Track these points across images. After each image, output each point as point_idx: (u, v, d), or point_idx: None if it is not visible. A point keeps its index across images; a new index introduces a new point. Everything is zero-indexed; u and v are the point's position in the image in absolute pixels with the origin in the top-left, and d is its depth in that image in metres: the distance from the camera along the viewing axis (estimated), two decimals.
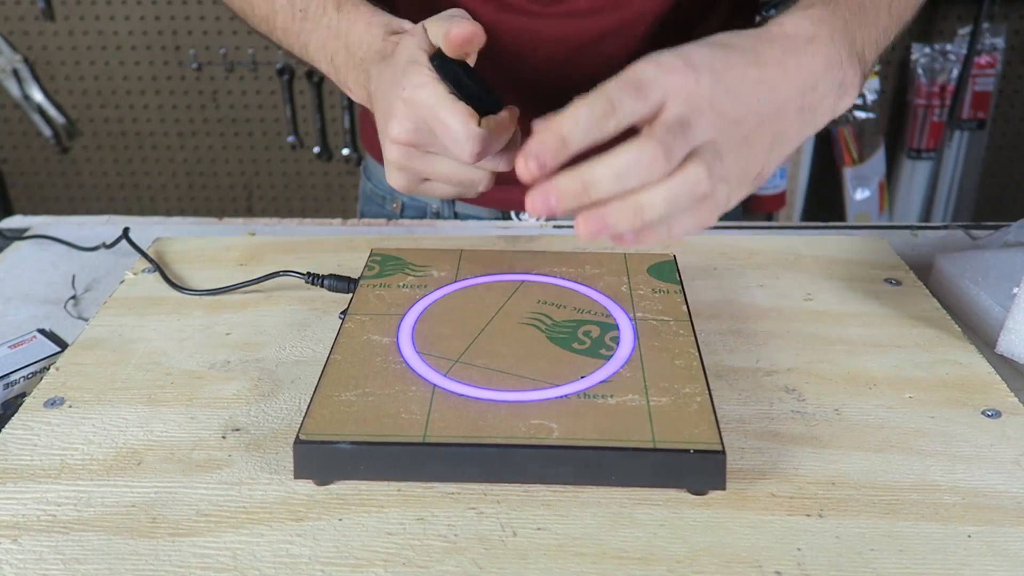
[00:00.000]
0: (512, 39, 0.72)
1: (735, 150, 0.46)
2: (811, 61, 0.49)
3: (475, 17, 0.73)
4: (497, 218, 0.83)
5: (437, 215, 0.86)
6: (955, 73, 1.86)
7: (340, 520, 0.41)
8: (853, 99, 0.52)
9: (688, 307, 0.54)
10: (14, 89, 1.93)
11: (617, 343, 0.50)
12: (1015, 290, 0.54)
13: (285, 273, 0.61)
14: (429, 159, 0.53)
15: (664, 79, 0.44)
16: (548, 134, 0.43)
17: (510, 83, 0.75)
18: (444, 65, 0.50)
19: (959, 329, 0.57)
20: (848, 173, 1.95)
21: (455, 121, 0.48)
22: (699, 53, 0.46)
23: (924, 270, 0.65)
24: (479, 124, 0.48)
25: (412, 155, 0.53)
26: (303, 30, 0.62)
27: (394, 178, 0.54)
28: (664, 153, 0.43)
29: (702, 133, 0.45)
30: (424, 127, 0.50)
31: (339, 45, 0.59)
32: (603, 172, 0.43)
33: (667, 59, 0.45)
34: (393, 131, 0.51)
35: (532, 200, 0.43)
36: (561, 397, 0.45)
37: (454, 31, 0.51)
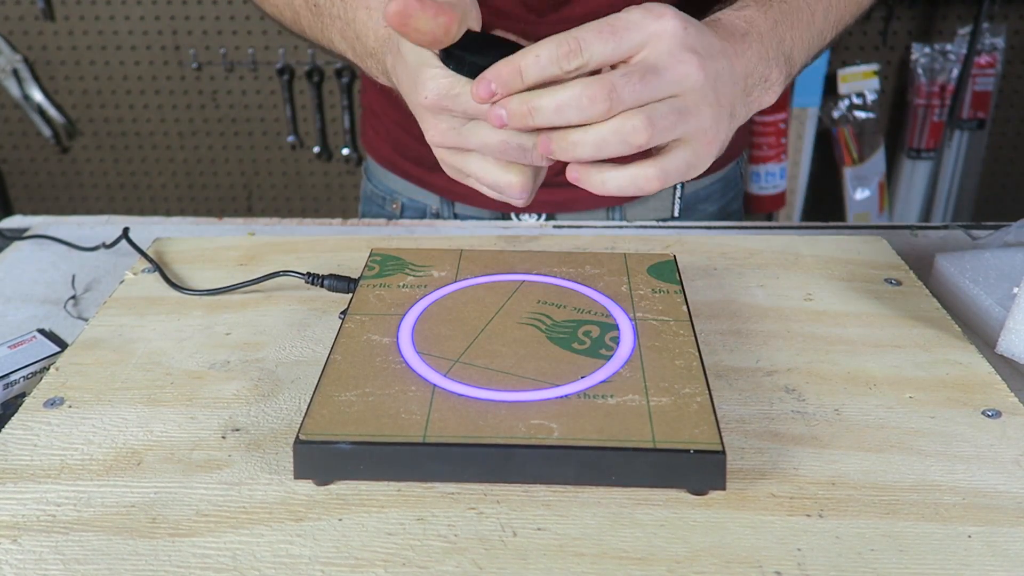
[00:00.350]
0: None
1: (702, 110, 0.47)
2: (747, 51, 0.51)
3: None
4: (497, 218, 0.83)
5: (437, 216, 0.86)
6: (955, 73, 1.86)
7: (340, 520, 0.41)
8: (775, 97, 0.54)
9: (688, 307, 0.54)
10: (14, 89, 1.93)
11: (617, 343, 0.50)
12: (1015, 290, 0.54)
13: (285, 273, 0.61)
14: (472, 134, 0.50)
15: (649, 24, 0.45)
16: (507, 64, 0.45)
17: None
18: (452, 56, 0.48)
19: (959, 329, 0.57)
20: (848, 173, 1.95)
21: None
22: (680, 12, 0.47)
23: (924, 270, 0.65)
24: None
25: (455, 153, 0.51)
26: (323, 26, 0.62)
27: (448, 171, 0.53)
28: (607, 95, 0.44)
29: (670, 85, 0.46)
30: (456, 121, 0.49)
31: (352, 35, 0.59)
32: (547, 102, 0.45)
33: (658, 6, 0.46)
34: (431, 138, 0.51)
35: (489, 112, 0.46)
36: (561, 397, 0.45)
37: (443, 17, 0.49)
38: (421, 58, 0.49)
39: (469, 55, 0.47)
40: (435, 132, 0.50)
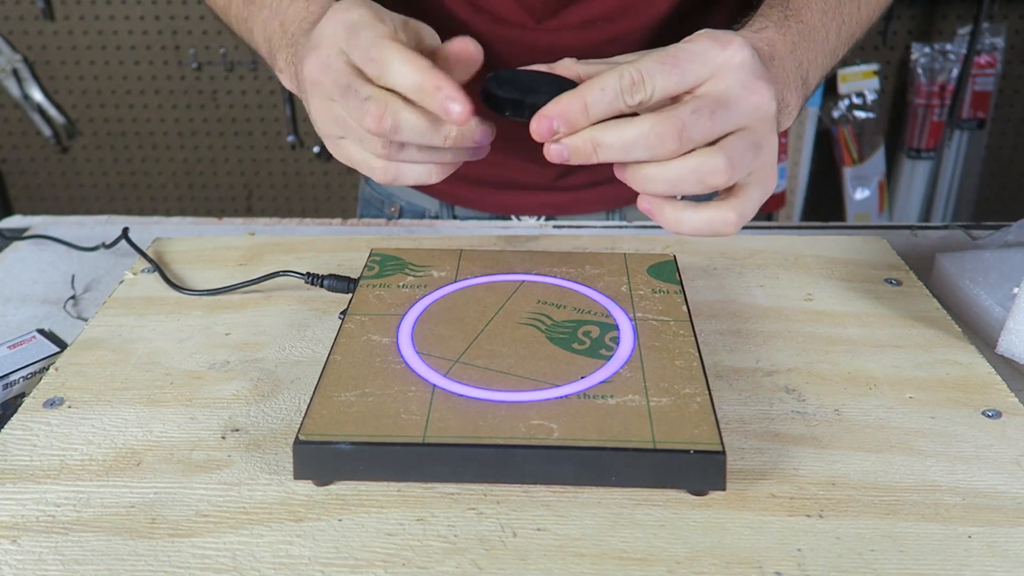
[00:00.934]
0: (505, 50, 0.72)
1: (771, 140, 0.46)
2: (775, 77, 0.49)
3: (467, 28, 0.73)
4: (496, 219, 0.83)
5: (436, 218, 0.86)
6: (955, 73, 1.86)
7: (340, 521, 0.41)
8: (791, 121, 0.52)
9: (688, 307, 0.54)
10: (14, 89, 1.93)
11: (617, 343, 0.49)
12: (1015, 290, 0.54)
13: (285, 273, 0.61)
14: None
15: (716, 54, 0.44)
16: (572, 98, 0.44)
17: None
18: (492, 99, 0.46)
19: (959, 329, 0.57)
20: (848, 173, 1.95)
21: (371, 31, 0.45)
22: (744, 39, 0.45)
23: (924, 270, 0.65)
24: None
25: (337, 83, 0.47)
26: (250, 15, 0.60)
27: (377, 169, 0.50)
28: (677, 134, 0.43)
29: (741, 117, 0.44)
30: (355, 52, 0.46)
31: (276, 24, 0.56)
32: (613, 139, 0.44)
33: (723, 34, 0.44)
34: (310, 71, 0.47)
35: (548, 148, 0.44)
36: (561, 397, 0.45)
37: (456, 45, 0.48)
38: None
39: (506, 94, 0.46)
40: (318, 65, 0.47)
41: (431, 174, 0.49)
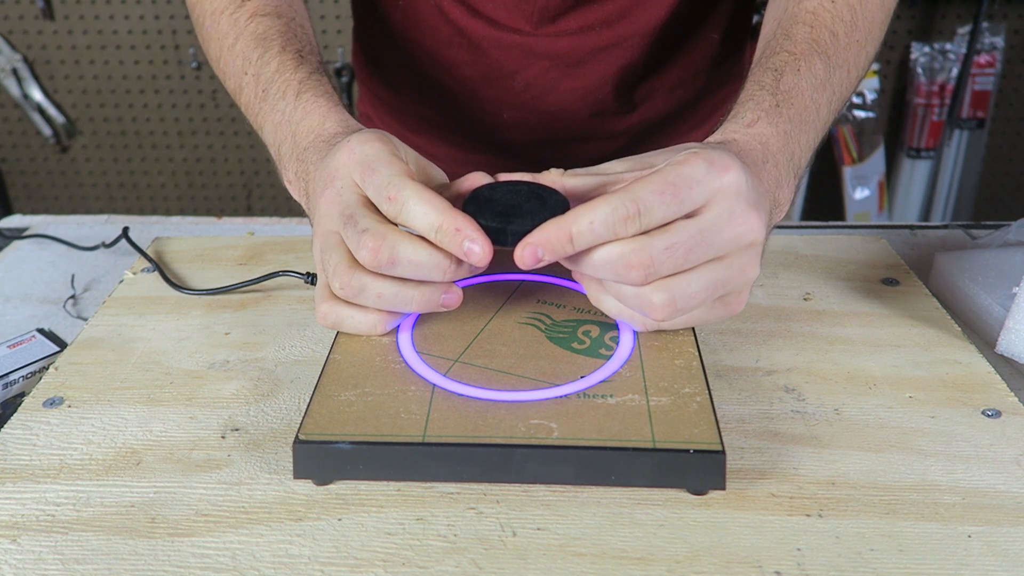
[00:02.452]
0: (503, 54, 0.72)
1: (752, 266, 0.46)
2: (766, 178, 0.48)
3: (465, 33, 0.73)
4: None
5: None
6: (955, 72, 1.86)
7: (339, 520, 0.41)
8: (781, 216, 0.51)
9: None
10: (14, 88, 1.93)
11: (616, 343, 0.49)
12: (1015, 289, 0.54)
13: (284, 273, 0.61)
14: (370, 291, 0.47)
15: (712, 180, 0.43)
16: (557, 229, 0.43)
17: (504, 98, 0.75)
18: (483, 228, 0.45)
19: (959, 329, 0.57)
20: (847, 172, 1.95)
21: (426, 197, 0.44)
22: (740, 161, 0.45)
23: (924, 269, 0.65)
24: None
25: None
26: (261, 111, 0.58)
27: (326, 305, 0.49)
28: (644, 269, 0.43)
29: (719, 248, 0.44)
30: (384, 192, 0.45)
31: (287, 133, 0.55)
32: (584, 256, 0.44)
33: (722, 158, 0.43)
34: (320, 228, 0.47)
35: (520, 257, 0.44)
36: (561, 397, 0.45)
37: (469, 183, 0.48)
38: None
39: (486, 221, 0.45)
40: (333, 212, 0.47)
41: (376, 325, 0.49)
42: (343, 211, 0.46)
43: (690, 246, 0.43)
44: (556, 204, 0.45)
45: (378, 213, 0.46)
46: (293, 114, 0.55)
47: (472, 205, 0.46)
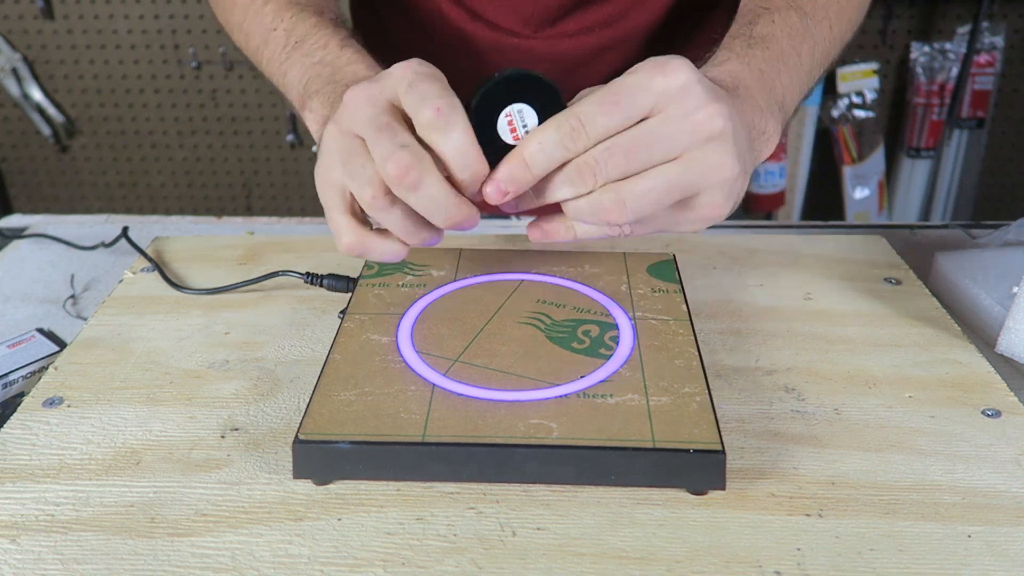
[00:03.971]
0: (504, 57, 0.72)
1: (724, 160, 0.44)
2: (742, 106, 0.48)
3: (467, 35, 0.73)
4: (496, 218, 0.83)
5: None
6: (954, 72, 1.86)
7: (339, 520, 0.41)
8: (773, 148, 0.51)
9: (688, 306, 0.54)
10: (13, 88, 1.93)
11: (617, 342, 0.49)
12: (1015, 289, 0.54)
13: (284, 272, 0.61)
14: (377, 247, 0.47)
15: (656, 82, 0.42)
16: (513, 159, 0.44)
17: None
18: (479, 118, 0.44)
19: (959, 328, 0.57)
20: (847, 172, 1.95)
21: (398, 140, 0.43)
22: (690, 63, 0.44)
23: (924, 269, 0.65)
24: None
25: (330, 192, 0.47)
26: (291, 57, 0.57)
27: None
28: (592, 172, 0.43)
29: (670, 146, 0.43)
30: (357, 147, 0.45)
31: (325, 71, 0.54)
32: (531, 149, 0.44)
33: (668, 60, 0.43)
34: (318, 173, 0.47)
35: (488, 192, 0.45)
36: (560, 397, 0.45)
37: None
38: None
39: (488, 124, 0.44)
40: (326, 165, 0.46)
41: (399, 253, 0.48)
42: (377, 117, 0.43)
43: (630, 146, 0.42)
44: (552, 103, 0.45)
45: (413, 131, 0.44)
46: (337, 60, 0.54)
47: (485, 96, 0.45)
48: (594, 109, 0.42)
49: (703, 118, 0.43)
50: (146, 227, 0.75)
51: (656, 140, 0.43)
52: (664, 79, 0.42)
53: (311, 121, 0.54)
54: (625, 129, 0.43)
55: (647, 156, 0.43)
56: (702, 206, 0.46)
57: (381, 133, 0.43)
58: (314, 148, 2.13)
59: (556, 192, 0.45)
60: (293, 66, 0.57)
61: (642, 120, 0.43)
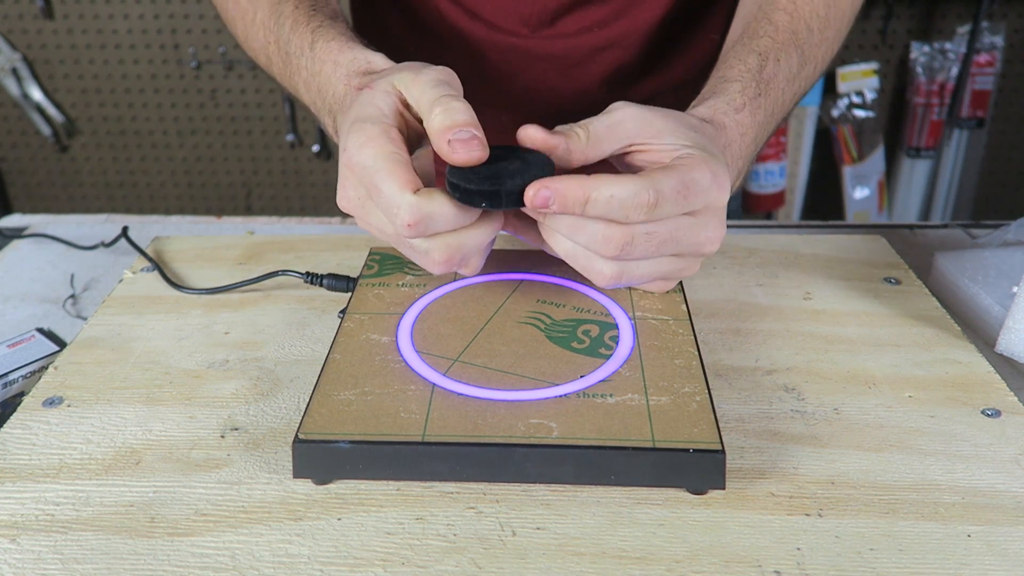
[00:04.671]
0: (502, 57, 0.72)
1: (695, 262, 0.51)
2: (731, 173, 0.51)
3: (463, 35, 0.73)
4: None
5: None
6: (954, 71, 1.86)
7: (339, 520, 0.41)
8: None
9: (687, 306, 0.54)
10: (13, 88, 1.93)
11: (616, 342, 0.49)
12: (1015, 289, 0.54)
13: (284, 272, 0.61)
14: (372, 216, 0.48)
15: (712, 194, 0.45)
16: (579, 189, 0.43)
17: (502, 99, 0.75)
18: (459, 190, 0.44)
19: (959, 328, 0.57)
20: (847, 171, 1.95)
21: (390, 186, 0.44)
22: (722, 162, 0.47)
23: (923, 269, 0.65)
24: (415, 192, 0.44)
25: (361, 220, 0.49)
26: (291, 73, 0.58)
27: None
28: (619, 247, 0.45)
29: (681, 249, 0.47)
30: (365, 193, 0.46)
31: (315, 87, 0.55)
32: (601, 196, 0.44)
33: (721, 171, 0.45)
34: (339, 199, 0.48)
35: (532, 203, 0.45)
36: (560, 396, 0.45)
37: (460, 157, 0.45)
38: (361, 113, 0.46)
39: (477, 185, 0.44)
40: (345, 199, 0.48)
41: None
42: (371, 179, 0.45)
43: (665, 239, 0.45)
44: (539, 161, 0.46)
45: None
46: (313, 67, 0.55)
47: (457, 172, 0.45)
48: (671, 195, 0.43)
49: (712, 240, 0.47)
50: (146, 227, 0.75)
51: (684, 239, 0.46)
52: (716, 193, 0.45)
53: (332, 137, 0.56)
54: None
55: (668, 249, 0.46)
56: (659, 286, 0.52)
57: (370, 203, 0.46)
58: (315, 148, 2.12)
59: (574, 235, 0.46)
60: (297, 82, 0.58)
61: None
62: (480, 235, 0.47)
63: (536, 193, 0.44)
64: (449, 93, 0.45)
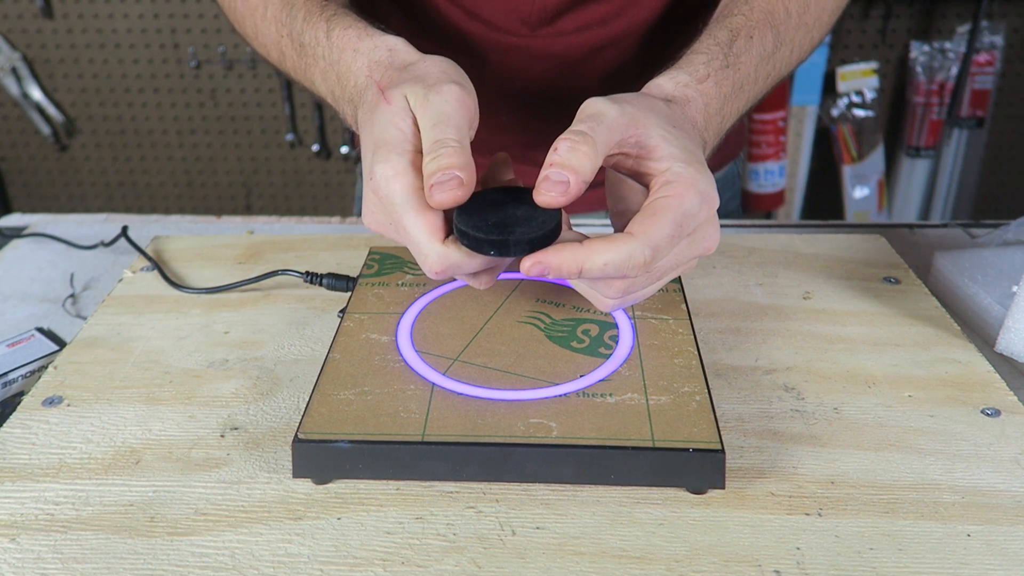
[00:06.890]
0: (502, 57, 0.72)
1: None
2: (701, 144, 0.50)
3: (463, 35, 0.73)
4: None
5: None
6: (954, 71, 1.86)
7: (339, 519, 0.41)
8: None
9: (687, 305, 0.54)
10: (13, 87, 1.93)
11: (616, 342, 0.49)
12: (1014, 288, 0.54)
13: (284, 272, 0.61)
14: (398, 238, 0.48)
15: (703, 214, 0.44)
16: (572, 261, 0.43)
17: (502, 99, 0.75)
18: (468, 238, 0.44)
19: (958, 327, 0.57)
20: (847, 171, 1.95)
21: (418, 233, 0.44)
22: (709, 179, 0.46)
23: (923, 268, 0.65)
24: (443, 242, 0.44)
25: (386, 237, 0.49)
26: (306, 66, 0.57)
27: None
28: (639, 268, 0.44)
29: (682, 256, 0.46)
30: (392, 225, 0.46)
31: (334, 77, 0.54)
32: (595, 265, 0.43)
33: (708, 190, 0.44)
34: (364, 218, 0.48)
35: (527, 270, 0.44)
36: (560, 396, 0.45)
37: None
38: (385, 136, 0.45)
39: (485, 234, 0.44)
40: (375, 222, 0.47)
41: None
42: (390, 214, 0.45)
43: (664, 271, 0.45)
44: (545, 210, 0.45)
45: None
46: (331, 56, 0.54)
47: (464, 217, 0.44)
48: (665, 243, 0.43)
49: (708, 246, 0.46)
50: (146, 226, 0.75)
51: (683, 258, 0.45)
52: (708, 212, 0.45)
53: (350, 126, 0.55)
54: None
55: (670, 275, 0.46)
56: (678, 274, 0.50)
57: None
58: (315, 147, 2.11)
59: (578, 283, 0.46)
60: (314, 74, 0.57)
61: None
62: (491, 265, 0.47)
63: (530, 267, 0.43)
64: (442, 138, 0.44)
